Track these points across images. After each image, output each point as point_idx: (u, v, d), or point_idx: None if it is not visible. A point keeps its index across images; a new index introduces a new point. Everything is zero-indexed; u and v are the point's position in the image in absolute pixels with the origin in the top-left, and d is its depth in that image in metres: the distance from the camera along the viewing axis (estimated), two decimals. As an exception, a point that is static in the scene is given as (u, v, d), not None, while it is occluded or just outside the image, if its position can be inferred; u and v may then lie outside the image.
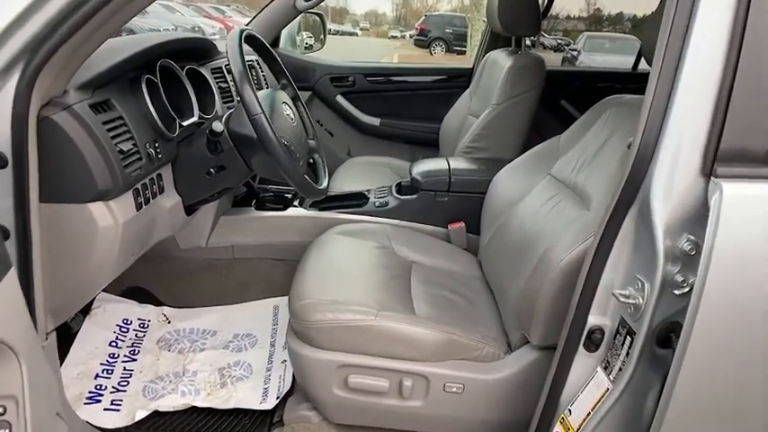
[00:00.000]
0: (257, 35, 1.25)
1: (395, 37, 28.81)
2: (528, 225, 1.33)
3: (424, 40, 18.10)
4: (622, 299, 0.86)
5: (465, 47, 16.07)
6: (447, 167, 1.71)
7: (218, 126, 1.12)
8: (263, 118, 1.04)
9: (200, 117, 1.31)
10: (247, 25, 2.35)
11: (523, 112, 1.88)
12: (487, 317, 1.33)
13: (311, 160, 1.42)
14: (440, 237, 1.68)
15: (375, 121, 2.62)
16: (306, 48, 2.87)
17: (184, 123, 1.22)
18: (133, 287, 1.67)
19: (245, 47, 1.28)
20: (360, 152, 2.63)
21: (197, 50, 1.42)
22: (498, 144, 1.89)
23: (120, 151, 0.97)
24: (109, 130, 0.96)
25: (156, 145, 1.10)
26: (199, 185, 1.22)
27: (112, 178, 0.95)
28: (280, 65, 1.36)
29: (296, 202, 1.73)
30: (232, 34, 1.12)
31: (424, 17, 20.20)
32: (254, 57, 1.86)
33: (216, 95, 1.44)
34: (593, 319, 0.92)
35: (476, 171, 1.74)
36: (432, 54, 17.35)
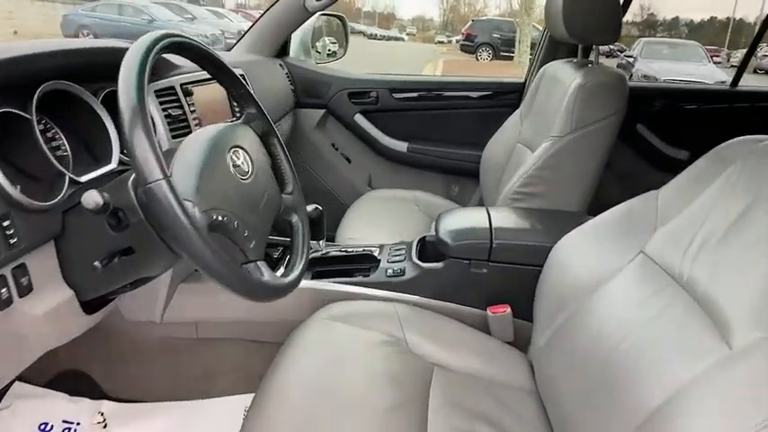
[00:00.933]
0: (198, 43, 0.81)
1: (441, 42, 28.57)
2: (616, 336, 0.85)
3: (470, 46, 17.70)
4: None
5: (513, 52, 15.53)
6: (487, 226, 1.24)
7: (91, 199, 0.67)
8: (162, 187, 0.60)
9: (121, 163, 0.89)
10: (250, 28, 1.94)
11: (596, 149, 1.38)
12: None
13: (290, 224, 0.98)
14: (475, 324, 1.20)
15: (402, 146, 2.16)
16: (328, 54, 2.48)
17: (82, 179, 0.79)
18: (69, 371, 1.27)
19: (183, 62, 0.85)
20: (382, 183, 2.19)
21: None
22: (560, 191, 1.39)
23: None
24: None
25: (7, 224, 0.68)
26: (98, 275, 0.79)
27: None
28: (242, 86, 0.93)
29: (282, 266, 1.29)
30: (138, 42, 0.68)
31: (470, 22, 19.75)
32: (239, 71, 1.45)
33: (161, 125, 1.03)
34: None
35: (529, 232, 1.26)
36: (478, 59, 16.93)
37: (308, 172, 2.18)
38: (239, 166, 0.79)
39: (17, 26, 13.00)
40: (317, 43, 2.45)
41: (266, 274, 0.76)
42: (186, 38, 0.77)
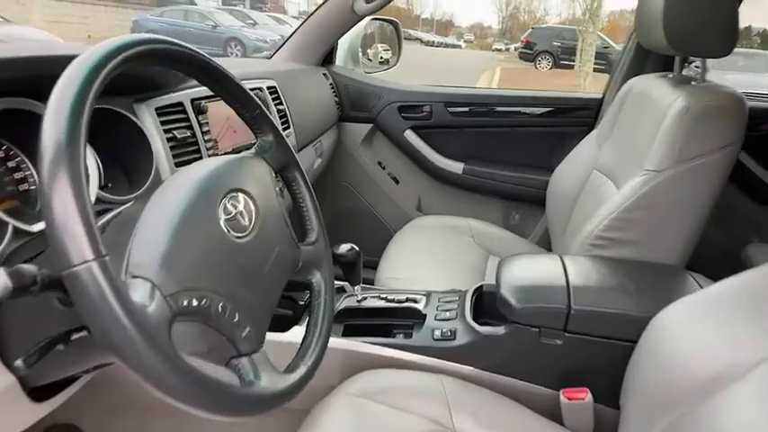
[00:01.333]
0: (190, 50, 0.60)
1: (499, 50, 28.10)
2: None
3: (529, 54, 17.28)
4: None
5: (573, 61, 14.98)
6: (564, 284, 0.98)
7: (6, 282, 0.42)
8: (92, 272, 0.39)
9: (100, 201, 0.71)
10: (292, 34, 1.76)
11: (703, 189, 1.09)
12: None
13: (311, 285, 0.76)
14: (543, 409, 0.95)
15: (457, 167, 1.93)
16: (380, 62, 2.30)
17: (34, 227, 0.60)
18: (58, 426, 1.11)
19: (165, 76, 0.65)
20: (433, 208, 1.97)
21: (130, 78, 0.80)
22: (655, 239, 1.12)
23: None
24: None
25: None
26: (47, 359, 0.60)
27: None
28: (255, 106, 0.72)
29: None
30: (91, 51, 0.48)
31: (530, 30, 19.27)
32: (263, 82, 1.26)
33: (161, 151, 0.84)
34: None
35: (618, 296, 0.98)
36: (537, 68, 16.46)
37: (350, 192, 1.99)
38: (235, 219, 0.58)
39: (91, 30, 13.66)
40: (369, 50, 2.27)
41: (263, 378, 0.54)
42: (172, 43, 0.57)
